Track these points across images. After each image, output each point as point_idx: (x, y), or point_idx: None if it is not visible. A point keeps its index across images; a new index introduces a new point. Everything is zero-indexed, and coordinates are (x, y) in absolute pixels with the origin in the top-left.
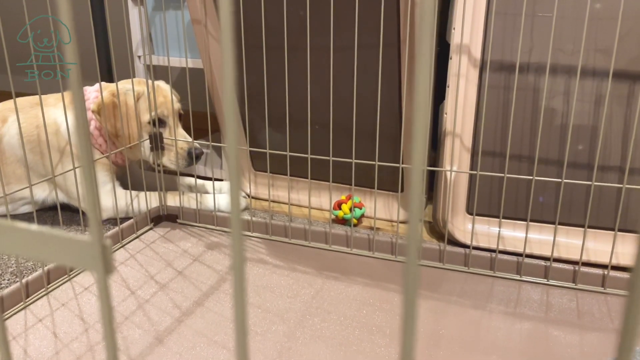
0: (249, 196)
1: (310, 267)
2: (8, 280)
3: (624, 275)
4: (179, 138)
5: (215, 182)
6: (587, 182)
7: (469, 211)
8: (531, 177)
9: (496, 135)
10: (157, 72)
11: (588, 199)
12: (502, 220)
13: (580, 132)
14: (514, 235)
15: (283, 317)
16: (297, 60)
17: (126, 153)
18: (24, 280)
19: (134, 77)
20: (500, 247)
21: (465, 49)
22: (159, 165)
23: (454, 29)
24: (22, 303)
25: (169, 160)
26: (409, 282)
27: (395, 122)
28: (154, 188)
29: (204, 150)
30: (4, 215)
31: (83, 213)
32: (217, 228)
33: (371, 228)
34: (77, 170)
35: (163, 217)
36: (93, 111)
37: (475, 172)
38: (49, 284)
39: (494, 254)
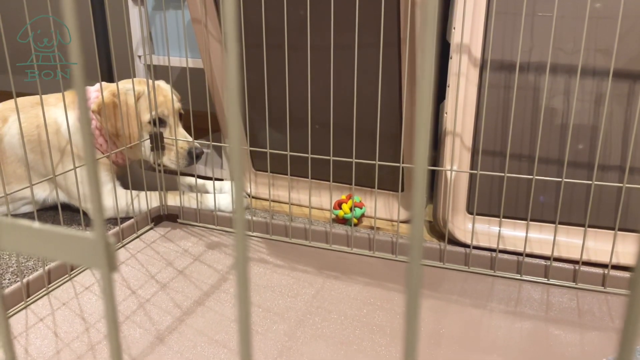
0: (249, 196)
1: (311, 267)
2: (9, 279)
3: (624, 274)
4: (180, 138)
5: (216, 182)
6: (587, 181)
7: (469, 210)
8: (531, 177)
9: (496, 135)
10: (158, 72)
11: (588, 198)
12: (503, 219)
13: (580, 132)
14: (514, 234)
15: (284, 317)
16: (297, 59)
17: (126, 153)
18: (24, 280)
19: (134, 76)
20: (501, 247)
21: (466, 49)
22: (159, 165)
23: (454, 28)
24: (23, 302)
25: (169, 159)
26: (412, 282)
27: (395, 122)
28: (154, 188)
29: (205, 150)
30: (5, 215)
31: (84, 213)
32: (218, 228)
33: (371, 227)
34: (77, 169)
35: (163, 217)
36: (93, 111)
37: (475, 171)
38: (49, 283)
39: (494, 254)
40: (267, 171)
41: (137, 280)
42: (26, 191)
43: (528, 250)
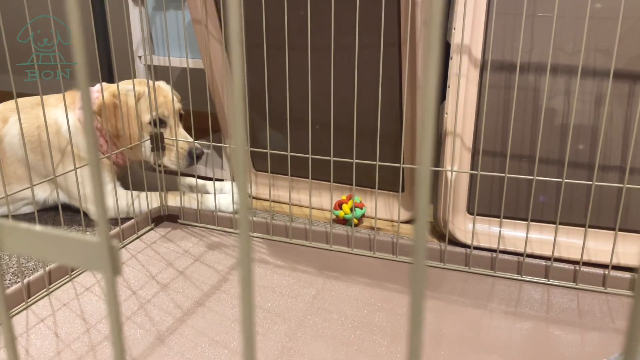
0: (249, 196)
1: (311, 267)
2: (9, 280)
3: (625, 274)
4: (180, 138)
5: (216, 182)
6: (587, 181)
7: (470, 211)
8: (532, 177)
9: (497, 135)
10: (158, 72)
11: (589, 198)
12: (503, 220)
13: (580, 132)
14: (514, 235)
15: (284, 317)
16: (297, 60)
17: (127, 153)
18: (25, 281)
19: (135, 77)
20: (501, 247)
21: (466, 49)
22: (159, 166)
23: (454, 28)
24: (23, 303)
25: (169, 160)
26: (416, 283)
27: (396, 122)
28: (154, 188)
29: (205, 150)
30: (5, 216)
31: (84, 213)
32: (218, 228)
33: (372, 228)
34: (78, 170)
35: (164, 217)
36: (94, 112)
37: (475, 172)
38: (50, 284)
39: (494, 254)
40: (267, 171)
41: (138, 281)
42: (27, 192)
43: (528, 251)
